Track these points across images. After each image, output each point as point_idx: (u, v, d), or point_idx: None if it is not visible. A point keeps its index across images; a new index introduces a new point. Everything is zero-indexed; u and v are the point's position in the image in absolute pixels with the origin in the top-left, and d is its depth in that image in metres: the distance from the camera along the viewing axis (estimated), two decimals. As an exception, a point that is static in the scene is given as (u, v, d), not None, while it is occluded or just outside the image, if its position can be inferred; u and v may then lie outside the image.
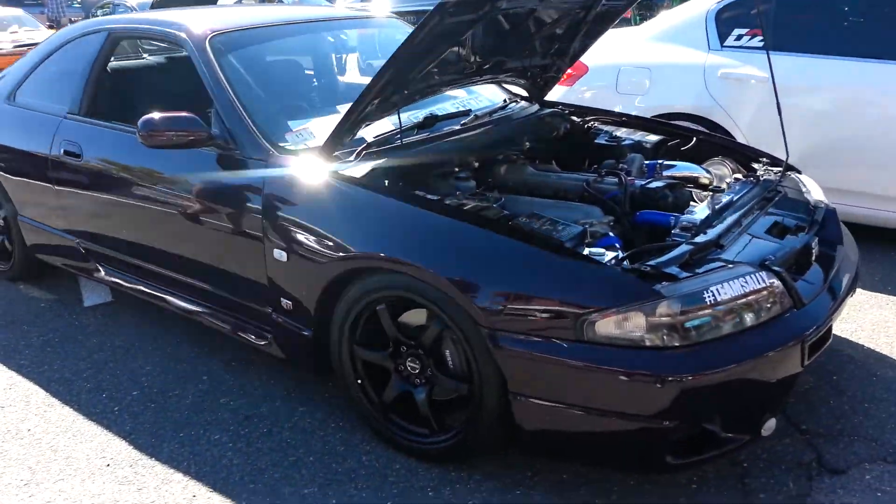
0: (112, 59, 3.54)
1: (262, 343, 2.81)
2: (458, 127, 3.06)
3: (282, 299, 2.66)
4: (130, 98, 3.59)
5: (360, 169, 2.58)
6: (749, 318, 2.09)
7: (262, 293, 2.74)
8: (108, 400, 2.95)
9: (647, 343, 1.99)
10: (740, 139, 4.25)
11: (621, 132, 3.43)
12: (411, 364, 2.41)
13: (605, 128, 3.50)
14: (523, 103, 3.61)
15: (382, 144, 2.74)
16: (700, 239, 2.27)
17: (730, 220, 2.43)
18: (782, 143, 2.87)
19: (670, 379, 1.97)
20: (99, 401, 2.94)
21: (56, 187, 3.48)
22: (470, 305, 2.14)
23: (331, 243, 2.43)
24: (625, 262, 2.11)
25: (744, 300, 2.08)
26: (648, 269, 2.06)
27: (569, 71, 5.02)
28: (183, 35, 3.03)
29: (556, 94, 5.04)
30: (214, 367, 3.15)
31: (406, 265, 2.25)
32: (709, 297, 2.03)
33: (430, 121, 2.96)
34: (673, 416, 2.00)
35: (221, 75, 2.85)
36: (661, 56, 4.62)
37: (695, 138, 3.32)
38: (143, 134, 2.66)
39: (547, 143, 3.45)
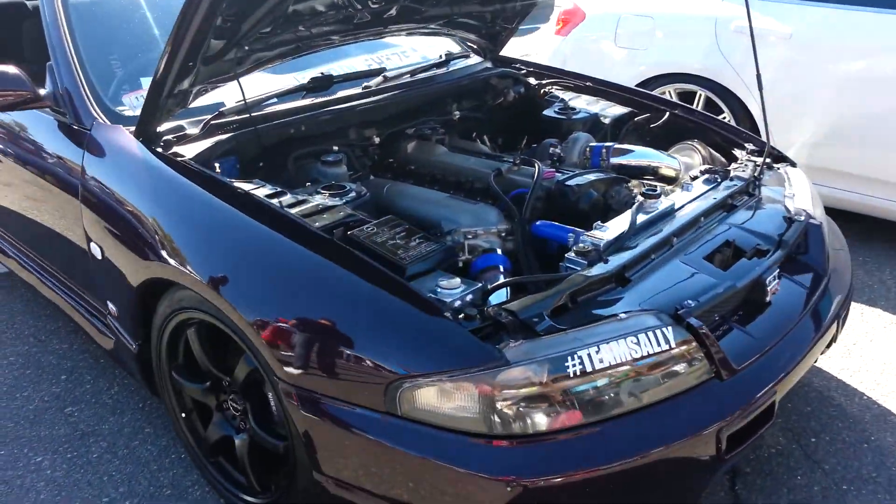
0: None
1: (107, 347, 2.34)
2: (359, 90, 2.46)
3: (107, 302, 2.18)
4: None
5: (196, 147, 2.03)
6: (638, 397, 1.48)
7: (94, 289, 2.27)
8: (-58, 396, 2.57)
9: (473, 426, 1.41)
10: (754, 110, 3.49)
11: (580, 101, 2.76)
12: (234, 404, 1.90)
13: (564, 95, 2.83)
14: (472, 60, 2.96)
15: (242, 113, 2.17)
16: (595, 271, 1.64)
17: (654, 240, 1.79)
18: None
19: (500, 480, 1.39)
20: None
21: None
22: (268, 352, 1.59)
23: (135, 241, 1.91)
24: (468, 307, 1.51)
25: (631, 368, 1.47)
26: (490, 316, 1.46)
27: (563, 17, 4.32)
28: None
29: (550, 46, 4.34)
30: (80, 364, 2.72)
31: (201, 284, 1.71)
32: (574, 365, 1.43)
33: (321, 82, 2.37)
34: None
35: (63, 23, 2.31)
36: (667, 4, 3.85)
37: (668, 113, 2.62)
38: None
39: (490, 111, 2.81)
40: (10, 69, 2.18)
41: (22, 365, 2.73)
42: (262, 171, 2.13)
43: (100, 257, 2.09)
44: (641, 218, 1.84)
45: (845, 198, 3.39)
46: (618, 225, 1.80)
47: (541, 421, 1.41)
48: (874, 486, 2.06)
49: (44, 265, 2.59)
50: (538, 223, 1.92)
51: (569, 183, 2.05)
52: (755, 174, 2.20)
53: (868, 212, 3.40)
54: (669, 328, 1.53)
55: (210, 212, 1.77)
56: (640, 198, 1.95)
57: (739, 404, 1.56)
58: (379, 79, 2.51)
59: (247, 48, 2.00)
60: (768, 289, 1.78)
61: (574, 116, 2.63)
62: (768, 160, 2.36)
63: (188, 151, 2.01)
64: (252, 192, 1.83)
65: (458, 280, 1.58)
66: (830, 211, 3.41)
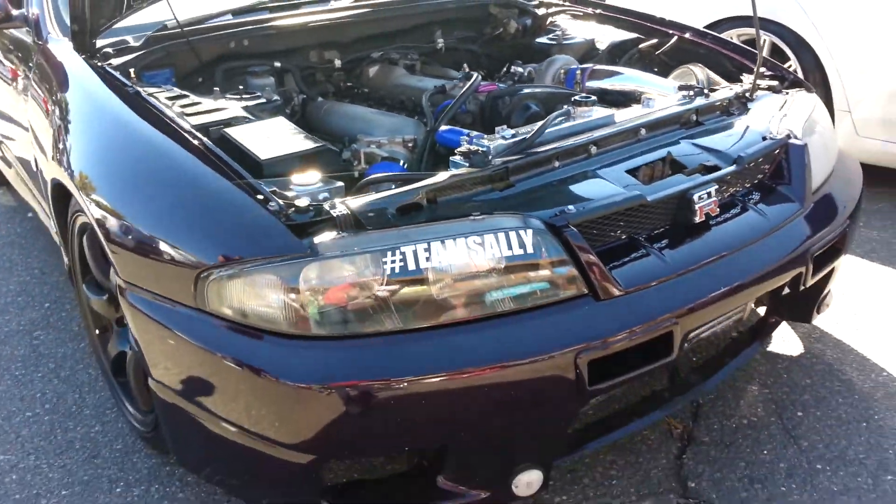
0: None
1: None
2: (324, 8, 2.32)
3: (50, 215, 2.18)
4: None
5: (128, 57, 1.98)
6: (478, 305, 1.25)
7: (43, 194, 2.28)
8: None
9: (281, 325, 1.23)
10: (827, 62, 3.03)
11: (581, 28, 2.48)
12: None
13: (569, 24, 2.55)
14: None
15: (191, 26, 2.09)
16: (467, 170, 1.41)
17: (564, 146, 1.52)
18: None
19: (299, 385, 1.20)
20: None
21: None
22: (107, 246, 1.49)
23: (46, 143, 1.89)
24: (310, 202, 1.32)
25: (476, 271, 1.24)
26: (326, 211, 1.27)
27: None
28: None
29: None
30: (66, 294, 2.77)
31: (69, 180, 1.64)
32: (393, 262, 1.21)
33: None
34: (309, 446, 1.25)
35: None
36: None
37: (676, 37, 2.29)
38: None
39: (485, 44, 2.59)
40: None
41: (16, 293, 2.82)
42: (201, 87, 2.04)
43: (35, 168, 2.08)
44: (562, 126, 1.58)
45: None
46: (523, 131, 1.55)
47: (351, 321, 1.21)
48: (857, 468, 1.68)
49: (33, 189, 2.65)
50: (441, 129, 1.70)
51: (500, 96, 1.81)
52: (743, 94, 1.86)
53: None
54: (530, 232, 1.28)
55: (92, 107, 1.72)
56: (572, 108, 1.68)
57: (612, 330, 1.28)
58: (349, -2, 2.36)
59: None
60: (697, 208, 1.46)
61: (565, 42, 2.36)
62: (775, 83, 2.00)
63: (121, 61, 1.96)
64: (149, 93, 1.73)
65: (317, 177, 1.41)
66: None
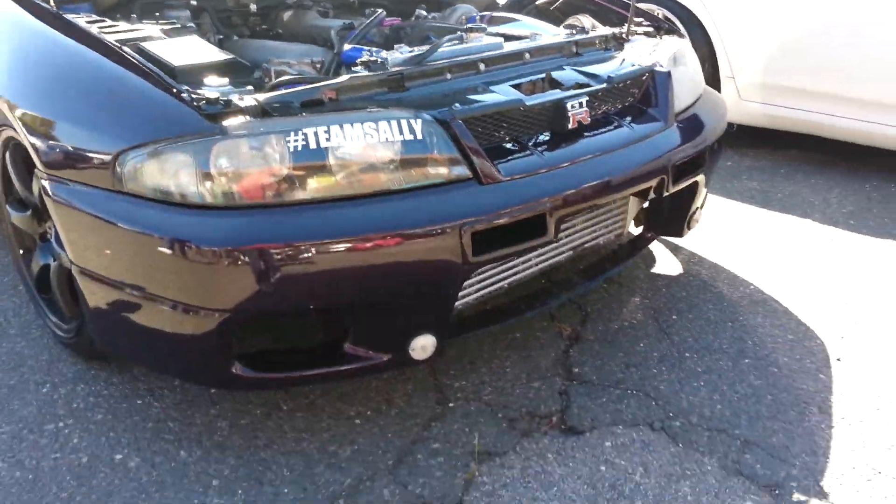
0: None
1: None
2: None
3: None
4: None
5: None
6: (371, 182, 1.41)
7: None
8: None
9: (195, 199, 1.37)
10: (715, 39, 3.32)
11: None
12: (50, 228, 1.91)
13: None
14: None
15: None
16: (364, 73, 1.58)
17: (456, 61, 1.71)
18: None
19: (214, 250, 1.34)
20: None
21: None
22: (32, 148, 1.60)
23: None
24: (211, 94, 1.45)
25: (371, 153, 1.41)
26: (235, 104, 1.41)
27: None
28: None
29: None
30: None
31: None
32: (296, 140, 1.37)
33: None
34: (225, 305, 1.39)
35: None
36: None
37: (565, -6, 2.52)
38: None
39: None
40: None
41: None
42: (119, 20, 2.14)
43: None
44: (455, 46, 1.76)
45: (809, 119, 3.20)
46: (422, 49, 1.73)
47: (259, 196, 1.36)
48: (720, 355, 1.92)
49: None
50: (346, 48, 1.86)
51: (404, 27, 1.98)
52: (620, 34, 2.09)
53: (832, 134, 3.21)
54: (419, 121, 1.45)
55: (14, 28, 1.79)
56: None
57: (492, 208, 1.47)
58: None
59: None
60: (570, 115, 1.67)
61: (467, -6, 2.55)
62: (650, 30, 2.24)
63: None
64: (69, 17, 1.83)
65: (227, 80, 1.55)
66: (799, 136, 3.28)
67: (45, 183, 1.56)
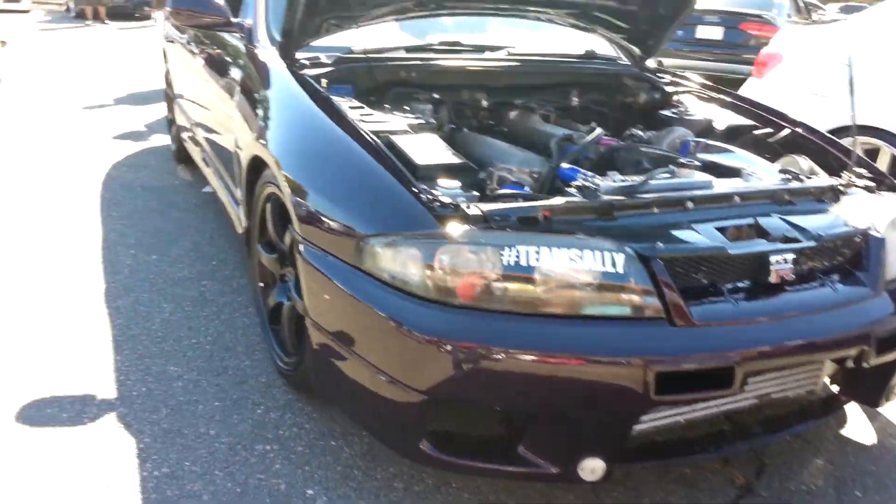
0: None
1: (239, 231, 2.84)
2: (482, 56, 2.75)
3: (237, 188, 2.69)
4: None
5: (320, 69, 2.46)
6: (571, 306, 1.57)
7: (233, 178, 2.80)
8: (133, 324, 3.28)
9: (417, 290, 1.60)
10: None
11: (703, 109, 2.78)
12: (289, 275, 2.27)
13: (692, 102, 2.86)
14: (622, 61, 3.12)
15: (373, 54, 2.58)
16: (578, 199, 1.76)
17: (665, 196, 1.83)
18: None
19: (426, 338, 1.55)
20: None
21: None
22: (293, 210, 1.93)
23: (251, 125, 2.38)
24: (443, 196, 1.69)
25: (573, 277, 1.57)
26: (463, 209, 1.64)
27: (760, 60, 4.26)
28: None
29: (746, 89, 4.25)
30: (229, 252, 3.30)
31: (272, 158, 2.11)
32: (509, 255, 1.56)
33: (449, 45, 2.71)
34: (426, 386, 1.59)
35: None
36: (867, 52, 3.63)
37: (789, 130, 2.55)
38: (171, 10, 2.85)
39: (614, 109, 2.94)
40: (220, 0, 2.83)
41: (190, 249, 3.38)
42: (372, 104, 2.49)
43: (234, 148, 2.60)
44: (665, 180, 1.89)
45: None
46: (634, 179, 1.88)
47: (471, 298, 1.56)
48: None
49: (218, 166, 3.21)
50: (563, 166, 2.05)
51: (616, 146, 2.14)
52: (838, 186, 2.10)
53: None
54: (622, 256, 1.59)
55: (293, 103, 2.18)
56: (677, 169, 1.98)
57: (680, 351, 1.55)
58: (503, 53, 2.78)
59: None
60: (772, 268, 1.73)
61: (686, 117, 2.66)
62: (872, 184, 2.22)
63: (314, 72, 2.44)
64: (335, 100, 2.19)
65: (458, 184, 1.80)
66: None
67: (300, 246, 1.88)
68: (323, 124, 2.00)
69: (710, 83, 3.01)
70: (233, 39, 2.91)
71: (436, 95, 2.55)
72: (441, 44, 2.71)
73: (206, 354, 2.46)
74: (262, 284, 2.46)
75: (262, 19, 2.72)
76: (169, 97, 4.79)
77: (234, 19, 2.81)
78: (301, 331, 2.06)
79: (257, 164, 2.32)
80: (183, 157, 4.58)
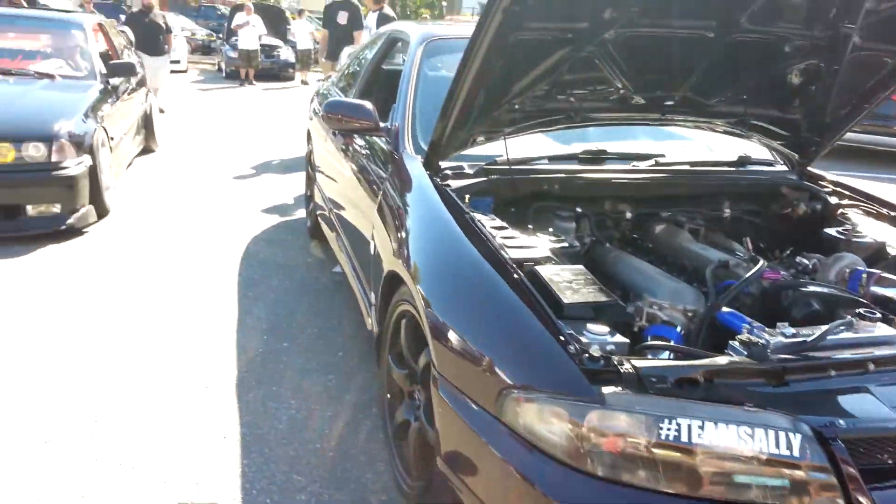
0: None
1: (369, 329, 2.84)
2: (627, 166, 2.64)
3: (372, 292, 2.68)
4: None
5: (464, 182, 2.43)
6: (736, 490, 1.39)
7: (369, 280, 2.80)
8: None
9: (559, 453, 1.48)
10: None
11: (874, 228, 2.52)
12: (418, 394, 2.20)
13: (860, 219, 2.61)
14: (778, 168, 2.92)
15: (515, 165, 2.52)
16: (747, 360, 1.58)
17: (843, 357, 1.63)
18: None
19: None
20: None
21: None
22: (432, 343, 1.87)
23: (391, 239, 2.37)
24: (601, 351, 1.58)
25: (740, 455, 1.40)
26: (614, 364, 1.52)
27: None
28: (410, 35, 3.25)
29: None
30: (356, 345, 3.30)
31: (411, 279, 2.07)
32: (668, 429, 1.41)
33: (592, 155, 2.62)
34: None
35: (413, 84, 2.96)
36: None
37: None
38: (322, 115, 2.93)
39: (770, 220, 2.74)
40: (368, 104, 2.87)
41: (317, 336, 3.42)
42: (511, 214, 2.43)
43: (373, 252, 2.60)
44: (842, 336, 1.68)
45: None
46: (806, 332, 1.68)
47: (619, 469, 1.42)
48: None
49: (352, 257, 3.24)
50: (724, 310, 1.87)
51: (781, 283, 1.94)
52: None
53: None
54: (799, 436, 1.40)
55: (436, 224, 2.14)
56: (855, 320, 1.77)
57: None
58: (651, 162, 2.65)
59: (518, 110, 2.35)
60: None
61: (855, 239, 2.42)
62: None
63: (457, 184, 2.42)
64: (479, 220, 2.14)
65: (606, 329, 1.67)
66: None
67: (437, 381, 1.81)
68: (467, 253, 1.94)
69: (882, 198, 2.73)
70: (378, 141, 2.95)
71: (578, 209, 2.45)
72: (585, 153, 2.63)
73: (330, 463, 2.43)
74: (389, 395, 2.41)
75: (409, 127, 2.74)
76: (309, 176, 4.96)
77: (382, 124, 2.85)
78: (428, 456, 1.98)
79: (394, 277, 2.29)
80: (316, 233, 4.70)
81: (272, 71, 17.05)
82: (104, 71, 5.84)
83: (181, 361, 3.09)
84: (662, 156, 2.72)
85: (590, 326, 1.67)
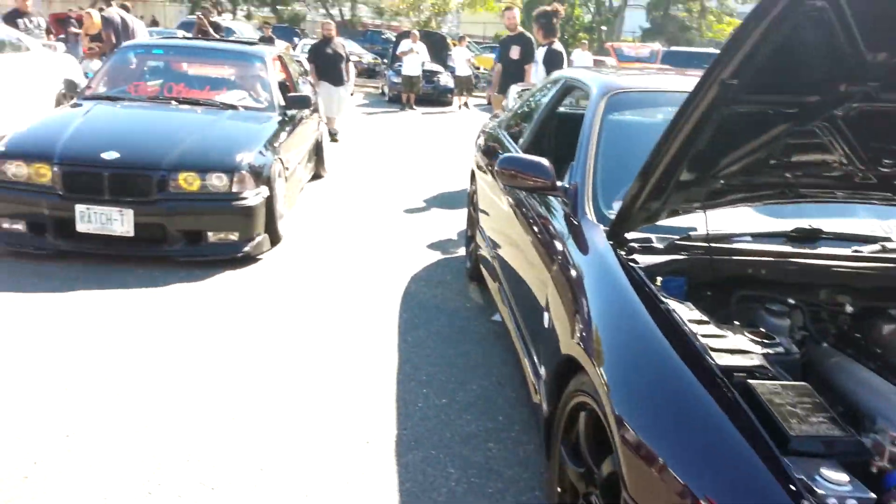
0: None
1: (535, 402, 2.68)
2: (848, 252, 2.31)
3: (542, 365, 2.52)
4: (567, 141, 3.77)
5: (654, 258, 2.22)
6: None
7: (539, 352, 2.64)
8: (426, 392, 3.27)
9: None
10: None
11: None
12: (595, 499, 2.00)
13: None
14: None
15: (714, 242, 2.27)
16: None
17: None
18: None
19: None
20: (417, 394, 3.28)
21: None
22: (624, 460, 1.66)
23: (569, 319, 2.19)
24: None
25: None
26: None
27: None
28: (591, 86, 3.06)
29: None
30: (519, 413, 3.15)
31: (598, 376, 1.87)
32: None
33: (806, 234, 2.32)
34: None
35: (596, 129, 2.78)
36: None
37: None
38: (496, 170, 2.81)
39: None
40: (545, 162, 2.72)
41: (477, 396, 3.28)
42: (708, 301, 2.18)
43: (546, 325, 2.43)
44: None
45: None
46: None
47: None
48: None
49: (518, 319, 3.09)
50: None
51: None
52: None
53: None
54: None
55: (628, 316, 1.93)
56: None
57: None
58: (876, 246, 2.30)
59: (722, 182, 2.10)
60: None
61: None
62: None
63: (645, 261, 2.20)
64: (676, 310, 1.91)
65: (846, 478, 1.40)
66: None
67: (628, 501, 1.60)
68: (666, 356, 1.72)
69: None
70: (554, 200, 2.79)
71: (791, 301, 2.15)
72: (796, 231, 2.31)
73: (491, 552, 2.27)
74: (560, 490, 2.22)
75: (589, 190, 2.56)
76: (471, 216, 4.89)
77: (558, 183, 2.69)
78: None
79: (572, 362, 2.11)
80: (476, 275, 4.61)
81: (431, 96, 17.41)
82: (282, 102, 6.10)
83: (342, 407, 3.06)
84: (890, 239, 2.35)
85: (825, 472, 1.40)
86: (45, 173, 4.50)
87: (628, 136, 2.85)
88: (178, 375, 3.26)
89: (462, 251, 5.34)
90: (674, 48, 22.64)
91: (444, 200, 7.16)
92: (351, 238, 5.61)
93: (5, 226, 4.62)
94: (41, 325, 3.68)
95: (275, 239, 5.12)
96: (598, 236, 2.34)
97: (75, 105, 5.55)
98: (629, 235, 2.28)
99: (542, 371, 2.48)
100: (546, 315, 2.46)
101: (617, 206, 2.48)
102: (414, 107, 16.14)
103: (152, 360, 3.39)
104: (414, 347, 3.73)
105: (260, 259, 4.90)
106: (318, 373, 3.39)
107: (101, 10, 9.57)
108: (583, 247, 2.36)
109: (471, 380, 3.42)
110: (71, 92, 6.16)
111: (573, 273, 2.31)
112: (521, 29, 7.44)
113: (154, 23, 28.50)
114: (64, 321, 3.75)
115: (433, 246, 5.58)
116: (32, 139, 4.78)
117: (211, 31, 12.91)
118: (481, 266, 4.34)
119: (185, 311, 4.00)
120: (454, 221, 6.24)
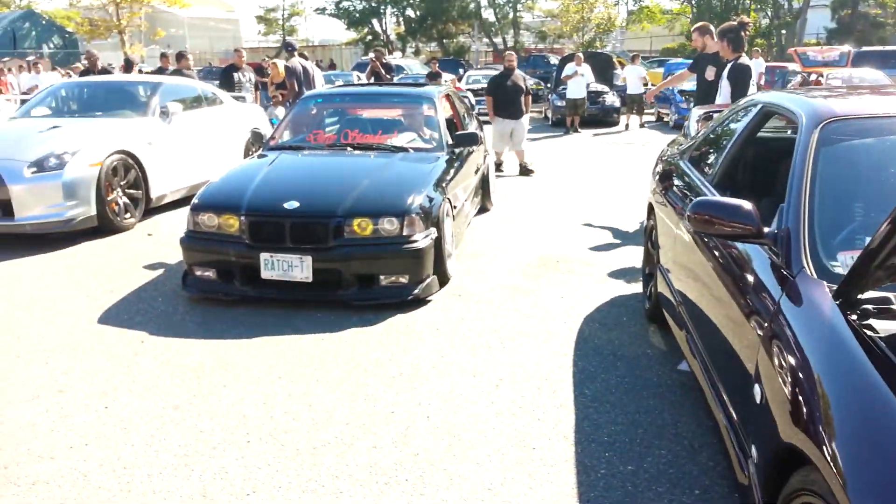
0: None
1: (742, 482, 2.34)
2: None
3: (753, 445, 2.18)
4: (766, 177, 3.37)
5: (889, 323, 1.84)
6: None
7: (746, 426, 2.30)
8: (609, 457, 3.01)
9: None
10: None
11: None
12: None
13: None
14: None
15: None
16: None
17: None
18: None
19: None
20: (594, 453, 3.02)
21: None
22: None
23: (787, 402, 1.86)
24: None
25: None
26: None
27: None
28: (799, 113, 2.69)
29: None
30: (716, 486, 2.80)
31: (835, 478, 1.54)
32: None
33: None
34: None
35: (810, 165, 2.42)
36: None
37: None
38: (689, 215, 2.52)
39: None
40: (746, 205, 2.38)
41: (667, 464, 2.95)
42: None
43: (758, 401, 2.10)
44: None
45: None
46: None
47: None
48: None
49: (715, 380, 2.75)
50: None
51: None
52: None
53: None
54: None
55: (874, 402, 1.58)
56: None
57: None
58: None
59: None
60: None
61: None
62: None
63: (886, 327, 1.83)
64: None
65: None
66: None
67: None
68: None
69: None
70: (759, 248, 2.45)
71: None
72: None
73: None
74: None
75: (806, 238, 2.20)
76: (648, 253, 4.56)
77: (766, 229, 2.35)
78: None
79: (794, 451, 1.78)
80: (655, 316, 4.27)
81: (597, 116, 17.01)
82: (450, 141, 6.10)
83: (519, 470, 2.87)
84: None
85: None
86: (233, 223, 4.76)
87: (850, 171, 2.45)
88: (364, 419, 3.23)
89: (638, 288, 5.00)
90: (865, 48, 20.55)
91: (618, 233, 6.81)
92: (518, 275, 5.44)
93: (198, 273, 4.93)
94: (234, 372, 3.83)
95: (443, 280, 5.07)
96: (821, 297, 1.99)
97: (261, 156, 5.88)
98: (863, 296, 1.91)
99: (754, 452, 2.15)
100: (757, 388, 2.12)
101: (842, 257, 2.12)
102: (579, 129, 15.81)
103: (342, 404, 3.40)
104: (592, 402, 3.47)
105: (430, 300, 4.86)
106: (489, 429, 3.22)
107: (286, 59, 10.38)
108: (803, 309, 2.02)
109: (659, 443, 3.10)
110: (257, 142, 6.57)
111: (792, 342, 1.97)
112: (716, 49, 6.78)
113: (332, 66, 30.45)
114: (254, 366, 3.88)
115: (605, 282, 5.28)
116: (222, 191, 5.09)
117: (382, 71, 13.46)
118: (662, 308, 4.00)
119: (361, 355, 4.01)
120: (628, 256, 5.89)
